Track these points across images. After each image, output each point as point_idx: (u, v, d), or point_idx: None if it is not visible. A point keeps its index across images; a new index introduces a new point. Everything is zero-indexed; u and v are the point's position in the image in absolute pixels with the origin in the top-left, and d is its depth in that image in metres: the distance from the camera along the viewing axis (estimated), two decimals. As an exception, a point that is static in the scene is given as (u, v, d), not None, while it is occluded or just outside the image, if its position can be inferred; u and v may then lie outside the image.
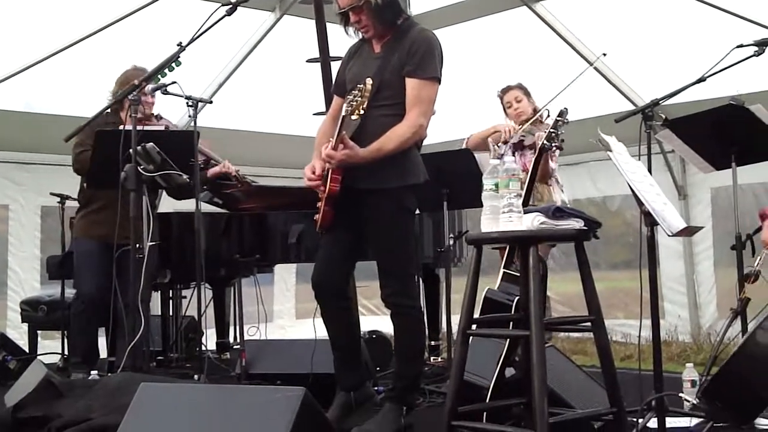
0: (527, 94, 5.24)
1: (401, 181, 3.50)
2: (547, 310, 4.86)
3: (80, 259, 4.82)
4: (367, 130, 3.44)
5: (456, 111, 6.71)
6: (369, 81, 3.37)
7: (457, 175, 4.64)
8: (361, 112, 3.33)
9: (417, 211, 3.75)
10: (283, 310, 8.31)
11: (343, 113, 3.35)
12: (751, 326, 3.57)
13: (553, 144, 3.82)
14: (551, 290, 4.96)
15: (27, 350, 5.45)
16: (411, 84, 3.45)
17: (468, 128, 6.91)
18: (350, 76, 3.61)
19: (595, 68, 6.54)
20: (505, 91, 5.32)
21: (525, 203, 3.58)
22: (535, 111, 5.06)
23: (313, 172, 3.53)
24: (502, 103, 5.35)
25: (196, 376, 4.46)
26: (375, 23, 3.51)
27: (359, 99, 3.32)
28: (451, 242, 4.95)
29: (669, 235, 3.20)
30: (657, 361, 3.36)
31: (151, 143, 3.97)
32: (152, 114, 4.69)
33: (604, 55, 4.93)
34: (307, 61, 6.10)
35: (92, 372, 4.50)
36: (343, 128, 3.35)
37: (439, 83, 3.53)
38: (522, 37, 6.92)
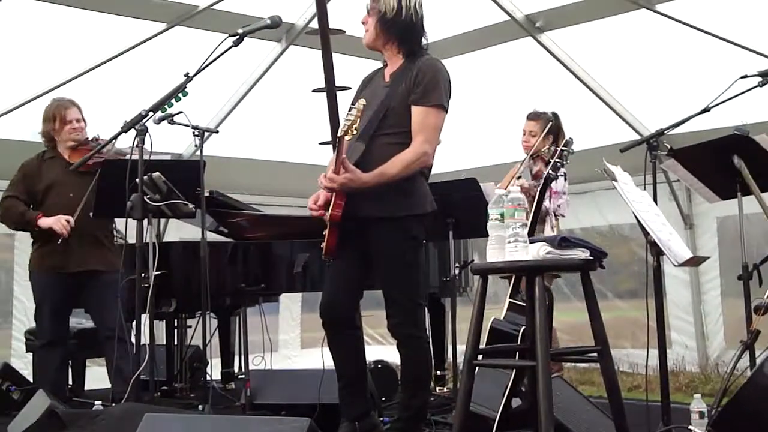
0: (545, 128, 5.04)
1: (409, 210, 3.49)
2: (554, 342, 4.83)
3: (36, 294, 4.78)
4: (372, 157, 3.44)
5: (462, 141, 6.74)
6: (362, 101, 3.37)
7: (462, 204, 4.65)
8: (354, 131, 3.32)
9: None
10: (288, 339, 8.28)
11: (339, 134, 3.35)
12: (760, 358, 3.54)
13: (558, 174, 3.83)
14: (556, 320, 4.92)
15: (31, 380, 5.42)
16: (416, 111, 3.45)
17: (475, 158, 6.96)
18: None
19: (600, 98, 6.60)
20: (528, 117, 5.24)
21: (531, 233, 3.58)
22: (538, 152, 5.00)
23: (315, 202, 3.54)
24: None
25: (200, 406, 4.43)
26: (375, 30, 3.53)
27: (352, 118, 3.31)
28: (457, 272, 4.94)
29: (675, 265, 3.19)
30: (665, 393, 3.35)
31: (158, 173, 3.99)
32: (87, 139, 4.70)
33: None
34: (312, 91, 6.15)
35: (96, 402, 4.49)
36: (342, 151, 3.36)
37: (446, 111, 3.52)
38: (528, 67, 6.96)
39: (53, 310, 4.68)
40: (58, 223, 4.49)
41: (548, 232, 4.89)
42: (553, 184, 4.81)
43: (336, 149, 3.38)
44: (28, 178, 4.71)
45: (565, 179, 4.99)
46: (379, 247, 3.50)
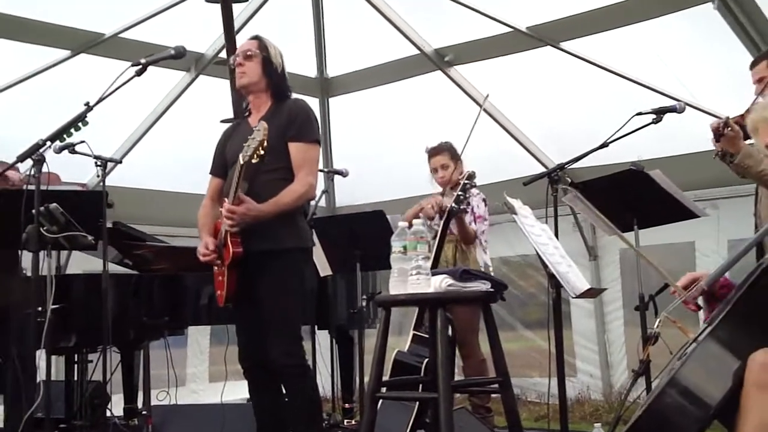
0: (454, 157, 4.97)
1: (295, 242, 3.61)
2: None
3: None
4: (257, 194, 3.52)
5: (371, 174, 6.76)
6: (264, 123, 3.37)
7: (370, 236, 4.66)
8: (261, 152, 3.32)
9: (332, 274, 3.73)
10: (196, 373, 8.08)
11: (242, 161, 3.34)
12: (655, 386, 3.62)
13: (461, 206, 3.88)
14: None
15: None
16: (295, 148, 3.62)
17: (383, 191, 6.99)
18: (231, 154, 3.70)
19: (508, 131, 6.73)
20: (432, 153, 5.06)
21: (434, 265, 3.61)
22: (458, 181, 4.63)
23: (207, 247, 3.60)
24: (429, 162, 5.11)
25: (100, 444, 4.30)
26: (260, 74, 3.69)
27: (259, 138, 3.30)
28: (364, 303, 4.94)
29: (572, 297, 3.26)
30: (564, 423, 3.40)
31: (55, 204, 3.87)
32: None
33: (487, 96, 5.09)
34: (221, 122, 6.10)
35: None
36: (243, 176, 3.38)
37: (320, 145, 3.79)
38: (436, 100, 7.05)
39: None
40: None
41: (480, 254, 4.89)
42: (476, 209, 4.86)
43: (236, 176, 3.37)
44: None
45: (485, 205, 4.98)
46: (264, 278, 3.52)
